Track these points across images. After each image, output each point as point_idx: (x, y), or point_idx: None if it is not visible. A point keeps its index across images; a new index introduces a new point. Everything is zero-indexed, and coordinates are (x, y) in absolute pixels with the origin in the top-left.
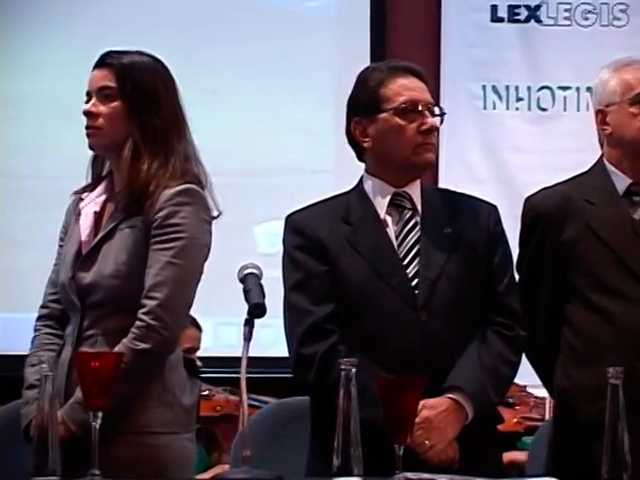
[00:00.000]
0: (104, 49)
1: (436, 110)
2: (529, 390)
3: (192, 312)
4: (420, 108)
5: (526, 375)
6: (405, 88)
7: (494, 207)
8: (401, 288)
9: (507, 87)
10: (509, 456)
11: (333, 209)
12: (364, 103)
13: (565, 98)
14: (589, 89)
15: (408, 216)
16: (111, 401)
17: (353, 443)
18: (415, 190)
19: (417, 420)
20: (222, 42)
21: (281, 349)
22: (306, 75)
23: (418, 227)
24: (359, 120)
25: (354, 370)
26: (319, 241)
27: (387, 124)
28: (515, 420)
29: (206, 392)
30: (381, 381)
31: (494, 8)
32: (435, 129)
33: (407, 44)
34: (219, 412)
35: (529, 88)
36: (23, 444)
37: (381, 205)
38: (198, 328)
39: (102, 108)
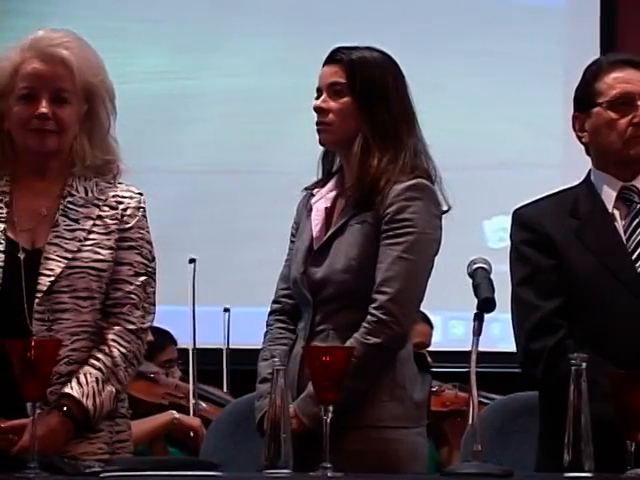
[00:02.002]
0: (330, 46)
1: None
2: None
3: (421, 307)
4: (636, 101)
5: None
6: (619, 81)
7: None
8: (630, 283)
9: None
10: None
11: (560, 203)
12: (581, 98)
13: None
14: None
15: (637, 210)
16: (342, 395)
17: (584, 439)
18: None
19: None
20: (447, 35)
21: (510, 344)
22: (534, 68)
23: None
24: (577, 115)
25: (584, 365)
26: (547, 236)
27: (599, 118)
28: None
29: (435, 388)
30: (612, 376)
31: None
32: None
33: (638, 36)
34: (448, 408)
35: None
36: (256, 437)
37: (609, 199)
38: (429, 324)
39: (332, 104)
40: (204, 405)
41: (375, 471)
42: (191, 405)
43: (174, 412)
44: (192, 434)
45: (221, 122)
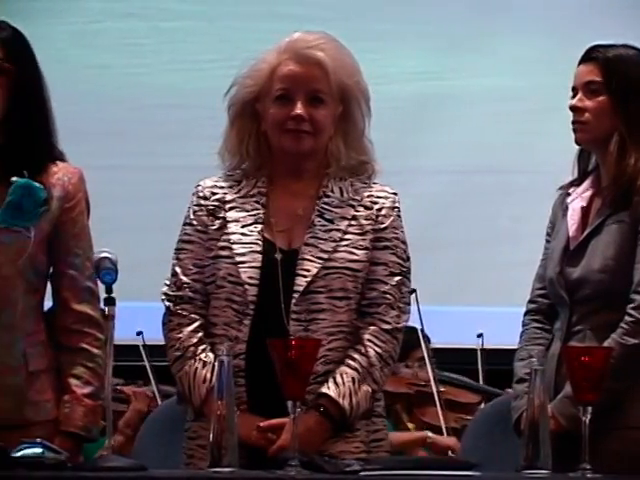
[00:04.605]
0: (585, 44)
1: None
2: None
3: None
4: None
5: None
6: None
7: None
8: None
9: None
10: None
11: None
12: None
13: None
14: None
15: None
16: (601, 396)
17: None
18: None
19: None
20: None
21: None
22: None
23: None
24: None
25: None
26: None
27: None
28: None
29: None
30: None
31: None
32: None
33: None
34: None
35: None
36: (514, 437)
37: None
38: None
39: (588, 103)
40: (442, 389)
41: (635, 473)
42: (434, 389)
43: (429, 432)
44: (450, 453)
45: (480, 122)
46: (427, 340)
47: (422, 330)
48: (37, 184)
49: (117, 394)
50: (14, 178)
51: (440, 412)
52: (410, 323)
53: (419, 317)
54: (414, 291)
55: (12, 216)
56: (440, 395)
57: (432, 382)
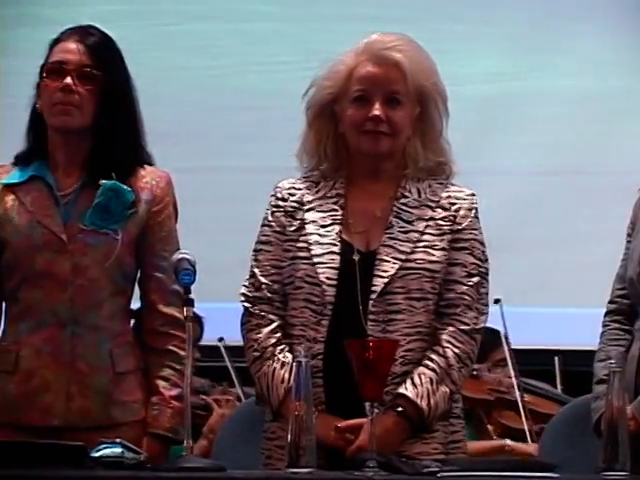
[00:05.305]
0: None
1: None
2: None
3: None
4: None
5: None
6: None
7: None
8: None
9: None
10: None
11: None
12: None
13: None
14: None
15: None
16: None
17: None
18: None
19: None
20: None
21: None
22: None
23: None
24: None
25: None
26: None
27: None
28: None
29: None
30: None
31: None
32: None
33: None
34: None
35: None
36: (594, 438)
37: None
38: None
39: None
40: (525, 397)
41: None
42: (519, 398)
43: (507, 440)
44: None
45: (557, 123)
46: (507, 342)
47: (504, 333)
48: (125, 186)
49: (199, 400)
50: (102, 181)
51: (524, 421)
52: (491, 325)
53: (503, 323)
54: (498, 301)
55: (100, 218)
56: (523, 403)
57: (515, 388)
